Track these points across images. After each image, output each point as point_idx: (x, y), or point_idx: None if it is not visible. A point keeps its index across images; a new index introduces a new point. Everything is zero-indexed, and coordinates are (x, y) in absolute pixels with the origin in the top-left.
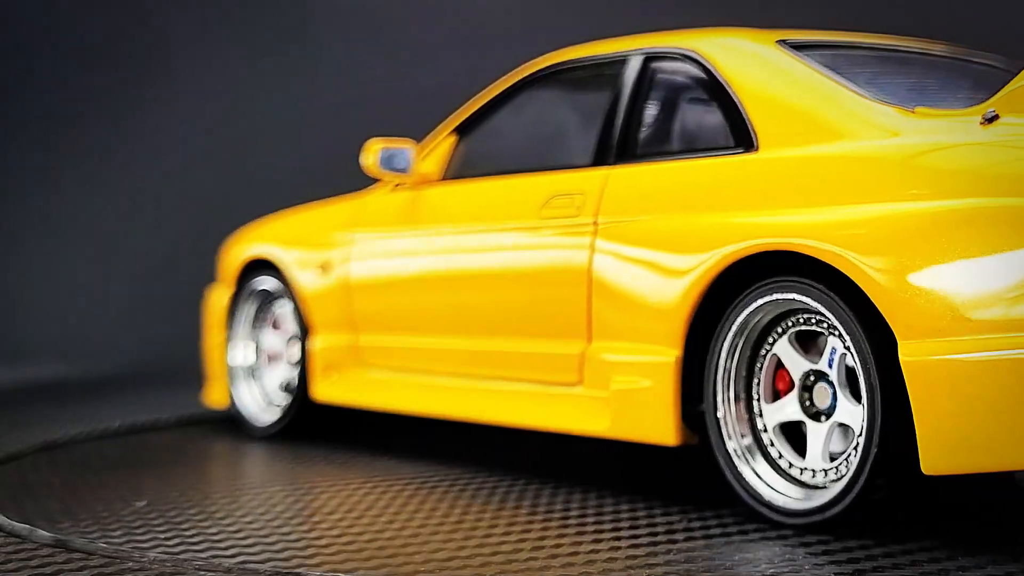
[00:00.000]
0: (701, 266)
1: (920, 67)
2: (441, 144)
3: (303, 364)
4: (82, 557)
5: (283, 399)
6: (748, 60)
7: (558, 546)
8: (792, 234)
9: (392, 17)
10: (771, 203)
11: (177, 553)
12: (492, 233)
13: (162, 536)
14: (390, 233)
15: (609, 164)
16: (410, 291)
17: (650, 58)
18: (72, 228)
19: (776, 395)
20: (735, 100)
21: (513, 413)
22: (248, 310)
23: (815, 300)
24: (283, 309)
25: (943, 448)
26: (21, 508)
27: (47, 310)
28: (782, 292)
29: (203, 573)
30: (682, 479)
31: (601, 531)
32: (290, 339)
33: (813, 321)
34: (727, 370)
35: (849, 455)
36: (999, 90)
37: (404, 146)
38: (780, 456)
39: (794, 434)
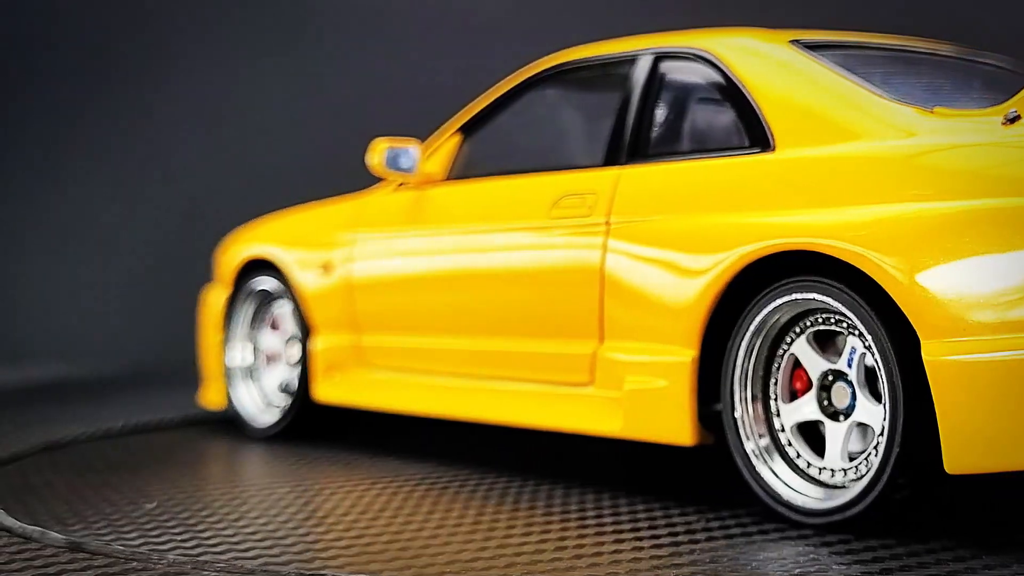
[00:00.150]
0: (718, 266)
1: (930, 67)
2: (446, 144)
3: (304, 365)
4: (99, 559)
5: (282, 400)
6: (762, 60)
7: (580, 546)
8: (814, 234)
9: (393, 16)
10: (790, 203)
11: (196, 555)
12: (500, 233)
13: (178, 538)
14: (394, 233)
15: (620, 164)
16: (416, 291)
17: (660, 58)
18: (73, 228)
19: (793, 395)
20: (750, 100)
21: (523, 413)
22: (246, 310)
23: (836, 300)
24: (282, 309)
25: (966, 447)
26: (28, 510)
27: (47, 310)
28: (801, 292)
29: (225, 575)
30: (692, 479)
31: (620, 531)
32: (289, 340)
33: (832, 321)
34: (744, 370)
35: (869, 454)
36: (1012, 90)
37: (409, 146)
38: (798, 456)
39: (809, 434)
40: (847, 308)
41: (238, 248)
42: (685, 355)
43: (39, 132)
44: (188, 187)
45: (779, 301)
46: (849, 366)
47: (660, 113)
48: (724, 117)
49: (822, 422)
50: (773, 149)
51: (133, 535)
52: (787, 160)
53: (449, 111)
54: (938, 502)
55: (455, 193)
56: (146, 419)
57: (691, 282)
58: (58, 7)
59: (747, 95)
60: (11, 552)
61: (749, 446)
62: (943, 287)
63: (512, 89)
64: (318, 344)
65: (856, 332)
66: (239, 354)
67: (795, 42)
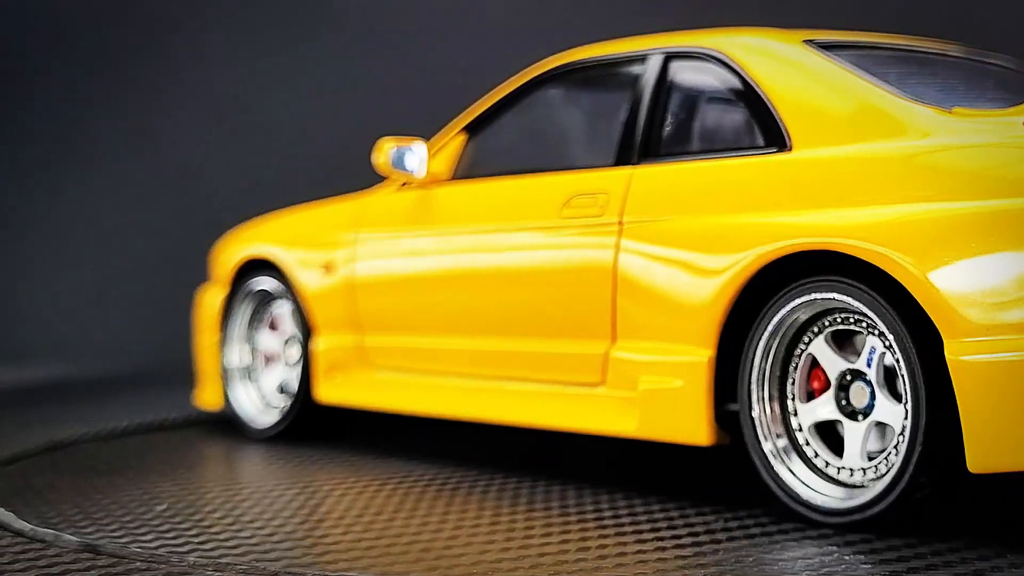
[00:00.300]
0: (735, 266)
1: (942, 68)
2: (451, 143)
3: (304, 365)
4: (117, 563)
5: (280, 401)
6: (777, 60)
7: (603, 547)
8: (836, 234)
9: (395, 16)
10: (810, 203)
11: (216, 557)
12: (510, 232)
13: (195, 540)
14: (400, 233)
15: (633, 163)
16: (424, 291)
17: (670, 57)
18: (74, 228)
19: (810, 395)
20: (765, 100)
21: (535, 414)
22: (244, 311)
23: (856, 300)
24: (281, 310)
25: (990, 446)
26: (37, 512)
27: (48, 310)
28: (821, 292)
29: None
30: (703, 478)
31: (640, 531)
32: (287, 340)
33: (851, 320)
34: (761, 370)
35: (889, 454)
36: (1023, 90)
37: (415, 145)
38: (816, 455)
39: (826, 433)
40: (868, 308)
41: (236, 248)
42: (701, 355)
43: (41, 133)
44: (191, 186)
45: (798, 301)
46: (868, 366)
47: (672, 113)
48: (737, 117)
49: (840, 422)
50: (790, 149)
51: (148, 537)
52: (806, 160)
53: (452, 111)
54: (958, 501)
55: (462, 193)
56: (149, 419)
57: (708, 282)
58: (59, 8)
59: (762, 95)
60: (28, 557)
61: (767, 446)
62: (966, 287)
63: (517, 89)
64: (320, 344)
65: (876, 332)
66: (237, 355)
67: (808, 42)
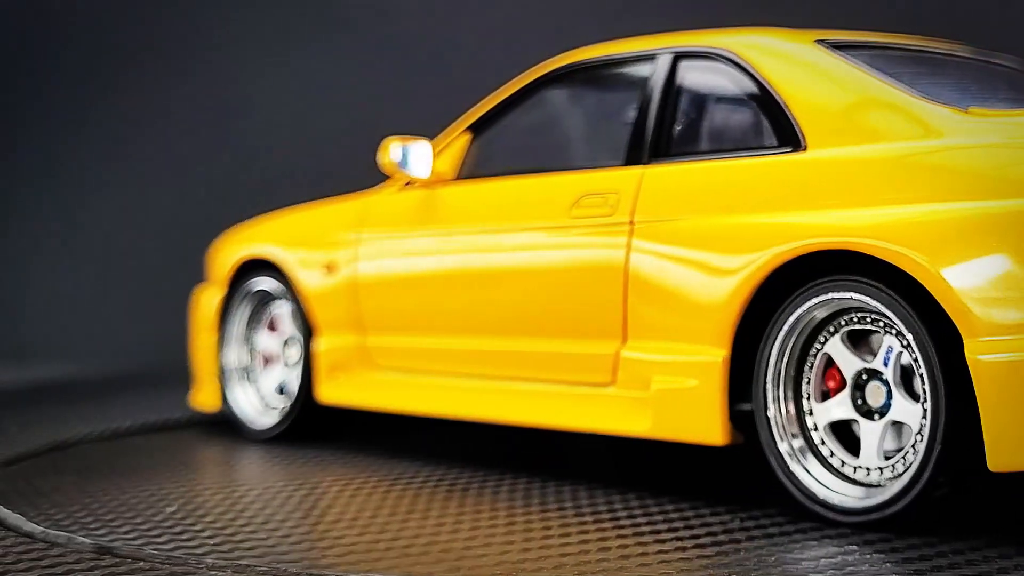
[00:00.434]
0: (751, 265)
1: (952, 68)
2: (455, 143)
3: (305, 366)
4: (134, 565)
5: (279, 402)
6: (789, 60)
7: (623, 546)
8: (854, 234)
9: (399, 16)
10: (826, 203)
11: (235, 559)
12: (518, 232)
13: (210, 542)
14: (405, 232)
15: (643, 163)
16: (430, 291)
17: (679, 57)
18: (78, 228)
19: (825, 394)
20: (778, 100)
21: (544, 414)
22: (243, 311)
23: (874, 299)
24: (280, 310)
25: (1009, 444)
26: (45, 514)
27: (52, 310)
28: (838, 291)
29: None
30: (713, 478)
31: (657, 531)
32: (286, 341)
33: (868, 320)
34: (777, 370)
35: (906, 453)
36: None
37: (420, 144)
38: (831, 455)
39: (840, 432)
40: (886, 307)
41: (233, 248)
42: (716, 354)
43: (43, 134)
44: (196, 186)
45: (814, 300)
46: (885, 365)
47: (682, 112)
48: (749, 117)
49: (856, 421)
50: (805, 149)
51: (162, 539)
52: (821, 160)
53: (457, 111)
54: (978, 499)
55: (468, 192)
56: (151, 420)
57: (723, 281)
58: (60, 8)
59: (775, 95)
60: (42, 563)
61: (783, 446)
62: (986, 286)
63: (522, 88)
64: (321, 345)
65: (894, 331)
66: (235, 356)
67: (820, 42)
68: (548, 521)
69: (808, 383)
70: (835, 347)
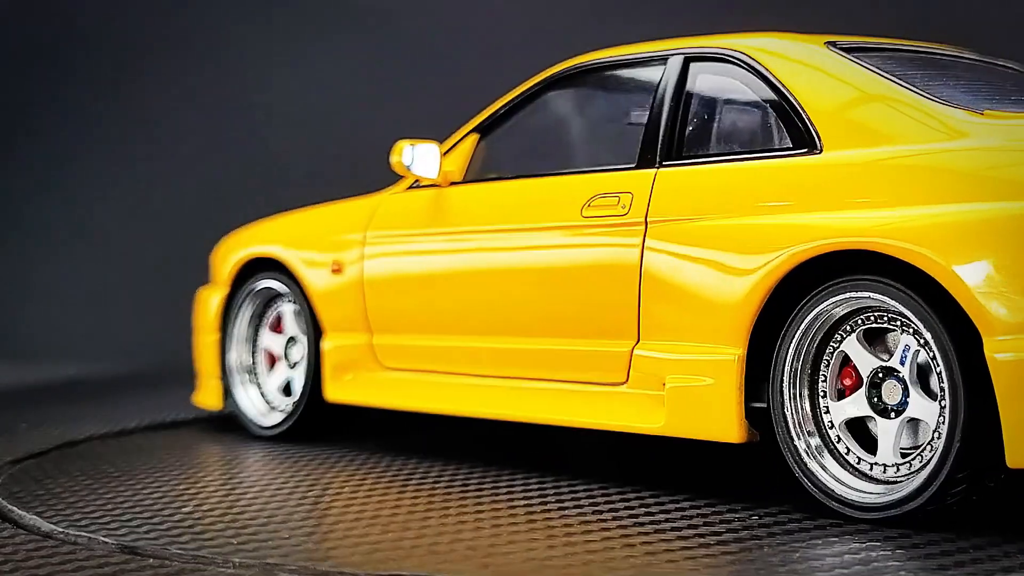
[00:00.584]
0: (768, 265)
1: (960, 71)
2: (463, 144)
3: (311, 365)
4: (162, 565)
5: (283, 401)
6: (802, 62)
7: (647, 543)
8: (873, 234)
9: (403, 16)
10: (844, 204)
11: (261, 558)
12: (529, 232)
13: (234, 541)
14: (414, 232)
15: (656, 164)
16: (441, 291)
17: (690, 59)
18: (87, 227)
19: (841, 392)
20: (793, 102)
21: (558, 411)
22: (246, 311)
23: (893, 299)
24: (285, 309)
25: None
26: (60, 514)
27: (59, 310)
28: (856, 291)
29: None
30: (723, 475)
31: (678, 528)
32: (289, 340)
33: (886, 319)
34: (793, 368)
35: (924, 450)
36: None
37: (430, 146)
38: (848, 452)
39: (855, 430)
40: (905, 306)
41: (238, 248)
42: (732, 353)
43: (45, 135)
44: (201, 185)
45: (832, 300)
46: (902, 363)
47: (695, 114)
48: (762, 119)
49: (872, 418)
50: (820, 151)
51: (184, 539)
52: (838, 162)
53: (467, 114)
54: (994, 496)
55: (478, 193)
56: (160, 418)
57: (740, 281)
58: (62, 8)
59: (789, 97)
60: (65, 566)
61: (800, 444)
62: (1005, 286)
63: (531, 91)
64: (329, 344)
65: (911, 330)
66: (240, 355)
67: (831, 44)
68: (567, 519)
69: (824, 381)
70: (852, 346)
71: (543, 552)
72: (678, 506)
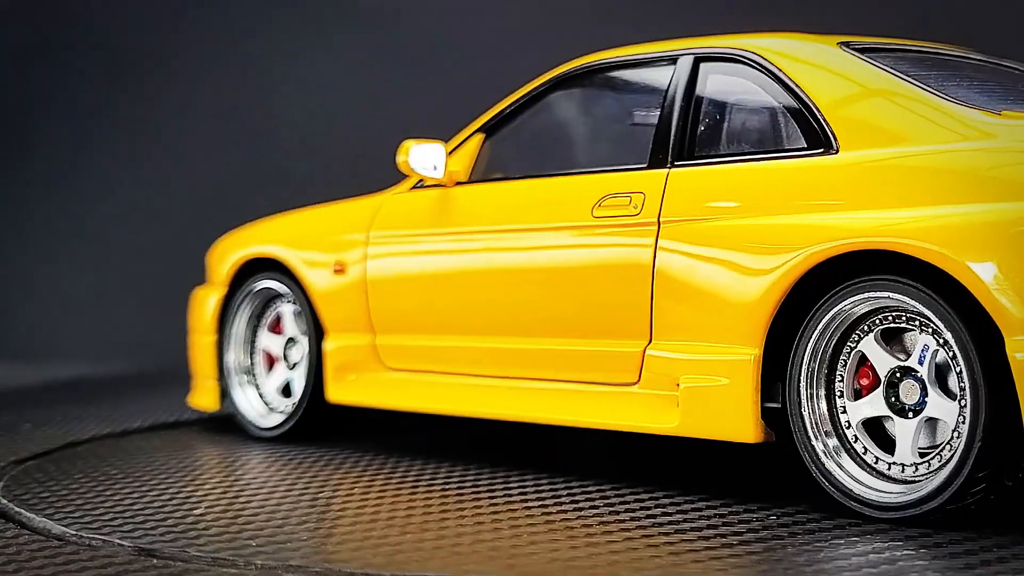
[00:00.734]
0: (785, 265)
1: (970, 71)
2: (468, 144)
3: (312, 366)
4: (181, 568)
5: (282, 402)
6: (816, 63)
7: (669, 543)
8: (893, 234)
9: (407, 16)
10: (862, 204)
11: (284, 559)
12: (539, 232)
13: (253, 543)
14: (420, 232)
15: (668, 164)
16: (448, 291)
17: (700, 59)
18: (93, 228)
19: (858, 392)
20: (807, 102)
21: (570, 412)
22: (245, 311)
23: (912, 299)
24: (284, 310)
25: None
26: (70, 517)
27: (56, 311)
28: (875, 291)
29: None
30: (734, 475)
31: (699, 529)
32: (288, 341)
33: (904, 319)
34: (811, 368)
35: (943, 449)
36: None
37: (433, 146)
38: (865, 452)
39: (872, 430)
40: (925, 306)
41: (236, 248)
42: (748, 353)
43: (47, 137)
44: (202, 185)
45: (850, 300)
46: (920, 363)
47: (707, 114)
48: (776, 119)
49: (890, 418)
50: (836, 151)
51: (200, 541)
52: (855, 162)
53: (472, 114)
54: (1013, 495)
55: (485, 193)
56: (164, 418)
57: (756, 281)
58: (64, 8)
59: (804, 97)
60: (78, 570)
61: (817, 444)
62: None
63: (536, 90)
64: (330, 344)
65: (930, 330)
66: (238, 356)
67: (844, 45)
68: (584, 519)
69: (841, 381)
70: (869, 346)
71: (566, 552)
72: (694, 506)
